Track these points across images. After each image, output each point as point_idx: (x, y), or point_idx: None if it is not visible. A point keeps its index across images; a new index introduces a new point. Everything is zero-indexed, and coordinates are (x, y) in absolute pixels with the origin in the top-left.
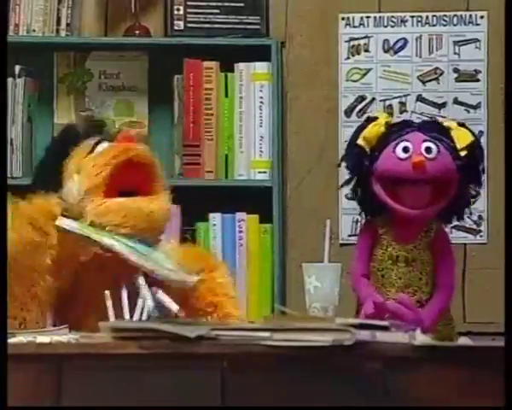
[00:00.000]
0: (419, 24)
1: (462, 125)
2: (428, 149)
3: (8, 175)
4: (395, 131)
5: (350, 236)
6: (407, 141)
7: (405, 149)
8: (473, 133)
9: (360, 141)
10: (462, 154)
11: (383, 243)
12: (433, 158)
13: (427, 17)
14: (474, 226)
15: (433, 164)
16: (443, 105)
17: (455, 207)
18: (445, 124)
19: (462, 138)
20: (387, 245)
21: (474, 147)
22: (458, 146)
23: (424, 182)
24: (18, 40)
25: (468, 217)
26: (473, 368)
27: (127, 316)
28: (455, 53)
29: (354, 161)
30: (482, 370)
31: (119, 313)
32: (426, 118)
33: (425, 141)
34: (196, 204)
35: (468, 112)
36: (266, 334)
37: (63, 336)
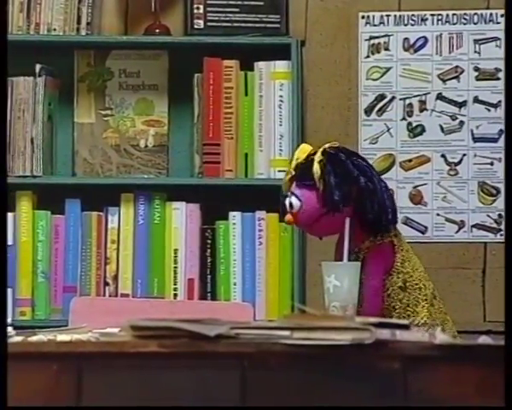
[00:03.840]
0: (439, 22)
1: (324, 151)
2: (291, 205)
3: (29, 174)
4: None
5: None
6: (288, 197)
7: (283, 206)
8: (331, 158)
9: (282, 188)
10: (320, 187)
11: None
12: (298, 210)
13: (447, 15)
14: (495, 225)
15: (300, 215)
16: (463, 104)
17: (366, 220)
18: (314, 157)
19: (316, 171)
20: None
21: (325, 175)
22: (317, 182)
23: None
24: (38, 39)
25: (488, 215)
26: (493, 367)
27: None
28: (475, 51)
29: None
30: (502, 369)
31: None
32: (446, 116)
33: (287, 197)
34: (216, 203)
35: (489, 110)
36: (286, 333)
37: (83, 335)
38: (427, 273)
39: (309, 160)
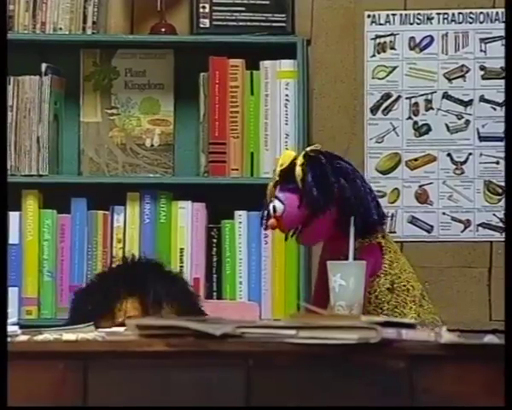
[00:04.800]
0: (445, 21)
1: (305, 155)
2: (274, 209)
3: (35, 173)
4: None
5: None
6: (271, 202)
7: (267, 213)
8: (312, 160)
9: (267, 196)
10: (301, 188)
11: None
12: (281, 214)
13: (453, 14)
14: (501, 224)
15: (284, 219)
16: (469, 103)
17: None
18: (296, 161)
19: (298, 174)
20: None
21: (303, 179)
22: (299, 185)
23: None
24: (44, 38)
25: (494, 214)
26: (499, 366)
27: None
28: (481, 50)
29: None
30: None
31: None
32: (452, 115)
33: (271, 202)
34: (222, 202)
35: (495, 109)
36: (292, 332)
37: (89, 334)
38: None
39: (292, 164)
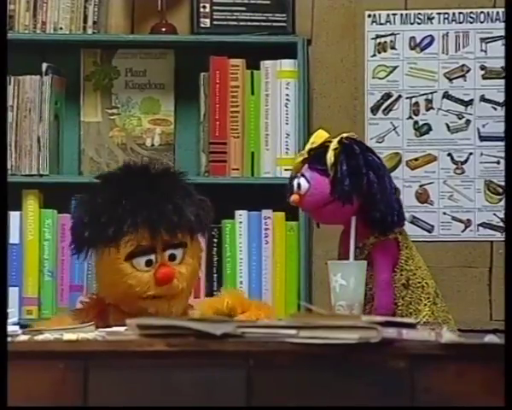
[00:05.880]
0: (445, 21)
1: (340, 141)
2: (299, 186)
3: (36, 172)
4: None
5: None
6: (297, 178)
7: (291, 187)
8: (346, 147)
9: (292, 169)
10: (331, 174)
11: None
12: (305, 193)
13: (453, 14)
14: (501, 224)
15: (307, 198)
16: (469, 102)
17: (371, 216)
18: (330, 145)
19: (330, 158)
20: None
21: (337, 164)
22: (329, 169)
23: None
24: (45, 38)
25: (495, 214)
26: (499, 366)
27: None
28: (482, 50)
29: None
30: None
31: None
32: (452, 114)
33: (296, 178)
34: (222, 201)
35: (495, 109)
36: (292, 331)
37: (90, 334)
38: (431, 272)
39: (324, 146)
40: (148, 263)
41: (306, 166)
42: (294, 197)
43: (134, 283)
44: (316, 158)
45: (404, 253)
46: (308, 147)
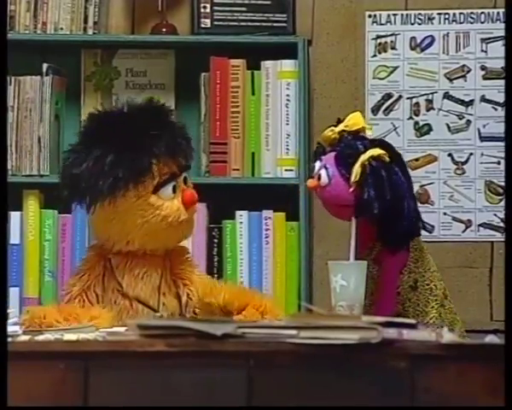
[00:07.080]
0: (446, 21)
1: (371, 157)
2: (319, 176)
3: (36, 173)
4: (334, 144)
5: None
6: (319, 161)
7: (313, 169)
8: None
9: (319, 138)
10: (353, 184)
11: None
12: (323, 186)
13: (454, 14)
14: (502, 224)
15: (324, 191)
16: (470, 103)
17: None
18: (361, 156)
19: (356, 172)
20: None
21: (364, 184)
22: (353, 177)
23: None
24: (45, 38)
25: (495, 214)
26: (500, 366)
27: None
28: (482, 50)
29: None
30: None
31: None
32: (453, 115)
33: (321, 168)
34: (223, 202)
35: (496, 109)
36: (293, 332)
37: (90, 334)
38: (440, 273)
39: (356, 131)
40: (173, 190)
41: (333, 158)
42: (311, 184)
43: (167, 213)
44: (344, 159)
45: (413, 255)
46: (341, 127)
